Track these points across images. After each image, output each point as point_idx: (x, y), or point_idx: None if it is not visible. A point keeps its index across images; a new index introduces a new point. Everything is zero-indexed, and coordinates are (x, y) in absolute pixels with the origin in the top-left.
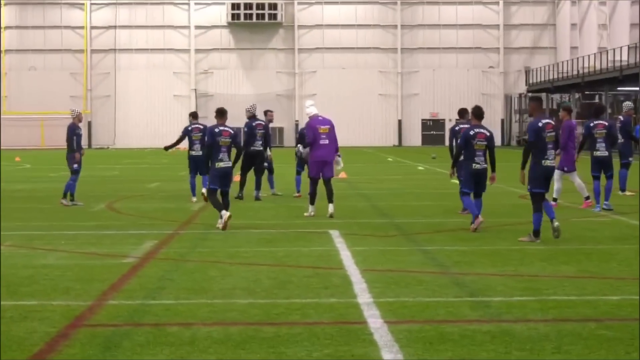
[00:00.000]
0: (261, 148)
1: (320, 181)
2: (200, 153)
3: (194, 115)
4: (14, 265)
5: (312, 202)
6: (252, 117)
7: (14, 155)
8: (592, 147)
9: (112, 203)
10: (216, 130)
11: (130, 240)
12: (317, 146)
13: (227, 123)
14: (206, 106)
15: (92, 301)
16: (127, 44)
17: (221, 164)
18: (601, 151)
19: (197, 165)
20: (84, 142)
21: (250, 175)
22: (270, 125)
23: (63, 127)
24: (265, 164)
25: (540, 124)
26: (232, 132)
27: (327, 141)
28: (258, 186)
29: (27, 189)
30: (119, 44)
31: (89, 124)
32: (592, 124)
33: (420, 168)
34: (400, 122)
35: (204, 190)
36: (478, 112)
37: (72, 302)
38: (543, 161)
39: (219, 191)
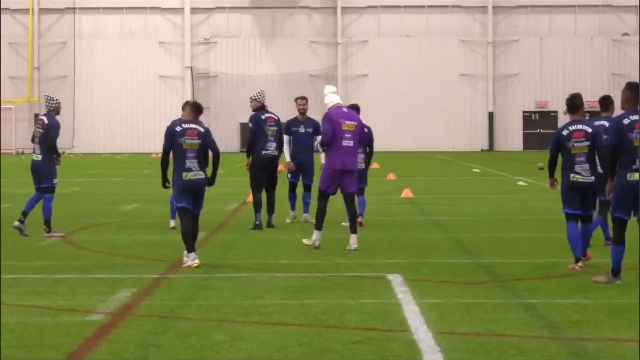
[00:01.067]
0: (276, 152)
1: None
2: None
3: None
4: None
5: (319, 227)
6: (259, 108)
7: None
8: None
9: (71, 234)
10: (177, 128)
11: (98, 288)
12: (337, 148)
13: (237, 116)
14: (207, 92)
15: None
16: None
17: (190, 175)
18: None
19: None
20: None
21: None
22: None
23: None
24: (289, 176)
25: (626, 121)
26: (203, 130)
27: (351, 143)
28: (271, 208)
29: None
30: (79, 1)
31: (36, 117)
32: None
33: (521, 183)
34: (491, 115)
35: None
36: (572, 103)
37: None
38: (629, 174)
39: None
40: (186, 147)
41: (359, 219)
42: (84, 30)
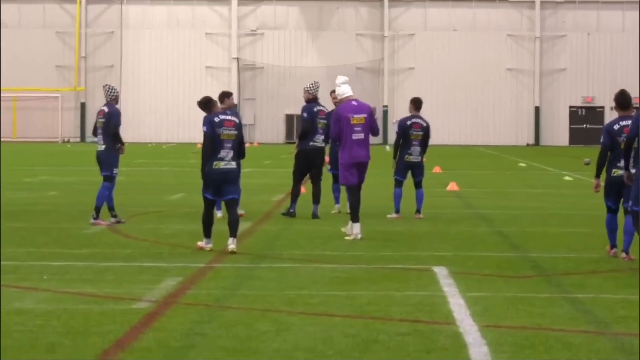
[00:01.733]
0: (323, 144)
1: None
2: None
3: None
4: None
5: (355, 219)
6: (312, 100)
7: None
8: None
9: (117, 223)
10: (216, 119)
11: (143, 276)
12: (349, 143)
13: (283, 108)
14: (253, 83)
15: None
16: None
17: (221, 164)
18: None
19: None
20: (74, 132)
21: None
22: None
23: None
24: (329, 168)
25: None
26: (238, 121)
27: (362, 135)
28: (317, 199)
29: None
30: None
31: (82, 106)
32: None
33: (567, 178)
34: (537, 110)
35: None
36: (623, 99)
37: None
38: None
39: (222, 205)
40: (224, 138)
41: (418, 215)
42: (132, 20)
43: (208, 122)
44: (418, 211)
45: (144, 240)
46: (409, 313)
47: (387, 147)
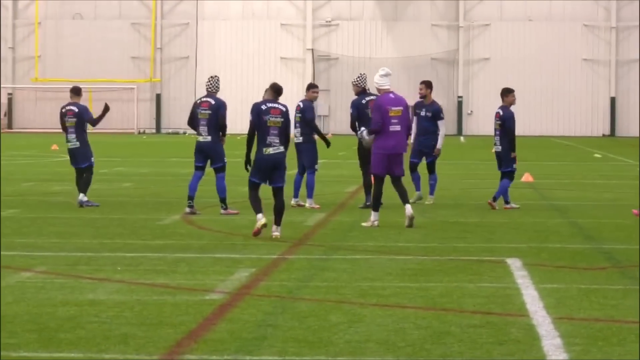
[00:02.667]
0: None
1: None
2: (300, 139)
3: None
4: (49, 301)
5: (376, 208)
6: (362, 92)
7: (50, 142)
8: None
9: (191, 213)
10: (263, 107)
11: (217, 267)
12: (385, 134)
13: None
14: (327, 73)
15: (160, 355)
16: None
17: (270, 150)
18: None
19: (298, 158)
20: (149, 123)
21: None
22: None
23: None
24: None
25: None
26: (284, 109)
27: (398, 127)
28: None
29: (68, 191)
30: None
31: (157, 97)
32: None
33: None
34: (613, 100)
35: (307, 203)
36: None
37: (133, 357)
38: None
39: (270, 189)
40: (270, 125)
41: (506, 205)
42: (207, 11)
43: (255, 111)
44: (506, 202)
45: (218, 232)
46: (481, 305)
47: (462, 139)
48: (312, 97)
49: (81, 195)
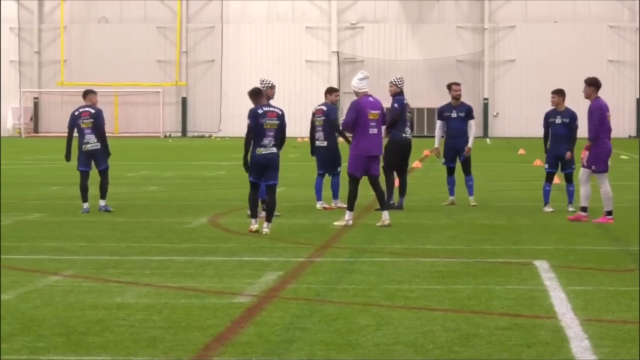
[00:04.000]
0: (411, 137)
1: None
2: (324, 143)
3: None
4: (78, 305)
5: (350, 208)
6: (398, 93)
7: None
8: None
9: (217, 217)
10: (260, 111)
11: (244, 270)
12: (364, 136)
13: (382, 101)
14: (352, 76)
15: (189, 358)
16: None
17: (262, 150)
18: None
19: (322, 161)
20: (175, 126)
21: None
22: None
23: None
24: (444, 162)
25: None
26: (280, 112)
27: (376, 130)
28: (403, 191)
29: (94, 195)
30: None
31: (183, 101)
32: None
33: None
34: (639, 102)
35: (334, 204)
36: None
37: (161, 359)
38: None
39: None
40: (266, 127)
41: (570, 208)
42: (232, 14)
43: (252, 115)
44: (569, 203)
45: (245, 235)
46: (509, 307)
47: (488, 141)
48: (334, 100)
49: (101, 201)
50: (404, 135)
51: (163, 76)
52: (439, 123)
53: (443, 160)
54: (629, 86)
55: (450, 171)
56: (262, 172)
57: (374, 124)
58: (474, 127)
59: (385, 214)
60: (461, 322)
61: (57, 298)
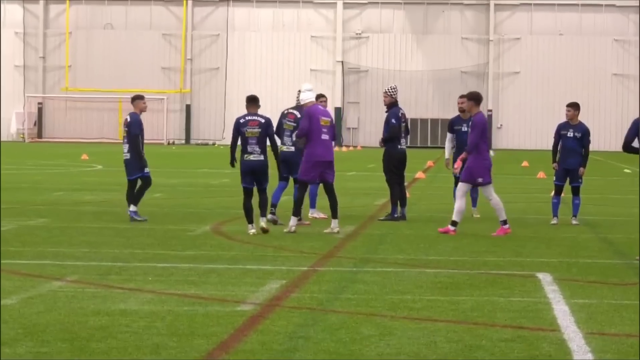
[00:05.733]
0: (405, 147)
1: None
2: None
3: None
4: (81, 311)
5: (296, 213)
6: (394, 103)
7: (80, 151)
8: None
9: (221, 224)
10: (241, 120)
11: (247, 278)
12: (316, 142)
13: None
14: (357, 86)
15: None
16: None
17: (251, 157)
18: None
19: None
20: (179, 134)
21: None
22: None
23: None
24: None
25: None
26: (263, 121)
27: (327, 136)
28: (403, 201)
29: (98, 201)
30: None
31: (187, 108)
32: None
33: None
34: None
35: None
36: None
37: None
38: None
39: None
40: (248, 135)
41: (574, 221)
42: (237, 22)
43: (235, 125)
44: (573, 216)
45: (248, 243)
46: (512, 319)
47: (492, 152)
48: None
49: (131, 206)
50: (399, 147)
51: (167, 83)
52: (449, 135)
53: (453, 170)
54: (633, 100)
55: (458, 182)
56: (252, 177)
57: (325, 130)
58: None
59: (335, 222)
60: (464, 334)
61: (61, 304)
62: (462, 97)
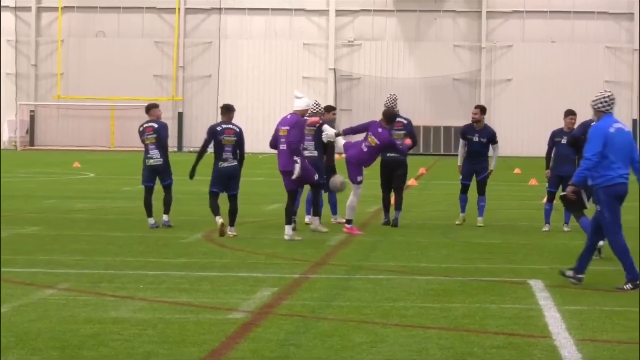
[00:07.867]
0: (399, 155)
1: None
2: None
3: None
4: (72, 318)
5: (289, 222)
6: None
7: (72, 159)
8: None
9: (213, 232)
10: (218, 128)
11: (239, 286)
12: (278, 152)
13: (379, 118)
14: (349, 93)
15: None
16: (237, 0)
17: (225, 164)
18: None
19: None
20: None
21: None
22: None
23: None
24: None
25: None
26: (238, 130)
27: (284, 146)
28: (398, 206)
29: (91, 209)
30: (225, 1)
31: (180, 116)
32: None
33: None
34: (635, 122)
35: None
36: None
37: None
38: None
39: (224, 197)
40: (224, 143)
41: (566, 228)
42: (229, 30)
43: (210, 131)
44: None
45: (240, 251)
46: (504, 326)
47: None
48: (332, 118)
49: (165, 216)
50: (389, 154)
51: (160, 91)
52: (461, 142)
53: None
54: (625, 107)
55: (464, 189)
56: (224, 184)
57: (283, 140)
58: (497, 151)
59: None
60: (456, 341)
61: (52, 311)
62: (477, 107)
